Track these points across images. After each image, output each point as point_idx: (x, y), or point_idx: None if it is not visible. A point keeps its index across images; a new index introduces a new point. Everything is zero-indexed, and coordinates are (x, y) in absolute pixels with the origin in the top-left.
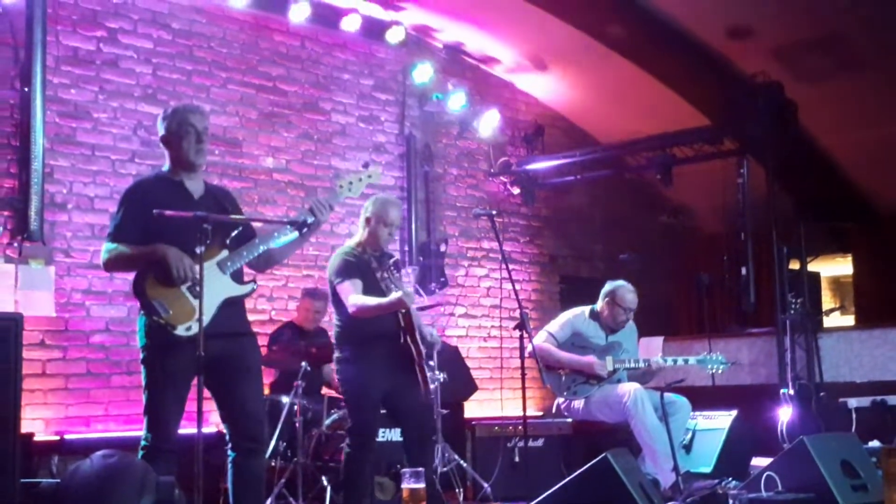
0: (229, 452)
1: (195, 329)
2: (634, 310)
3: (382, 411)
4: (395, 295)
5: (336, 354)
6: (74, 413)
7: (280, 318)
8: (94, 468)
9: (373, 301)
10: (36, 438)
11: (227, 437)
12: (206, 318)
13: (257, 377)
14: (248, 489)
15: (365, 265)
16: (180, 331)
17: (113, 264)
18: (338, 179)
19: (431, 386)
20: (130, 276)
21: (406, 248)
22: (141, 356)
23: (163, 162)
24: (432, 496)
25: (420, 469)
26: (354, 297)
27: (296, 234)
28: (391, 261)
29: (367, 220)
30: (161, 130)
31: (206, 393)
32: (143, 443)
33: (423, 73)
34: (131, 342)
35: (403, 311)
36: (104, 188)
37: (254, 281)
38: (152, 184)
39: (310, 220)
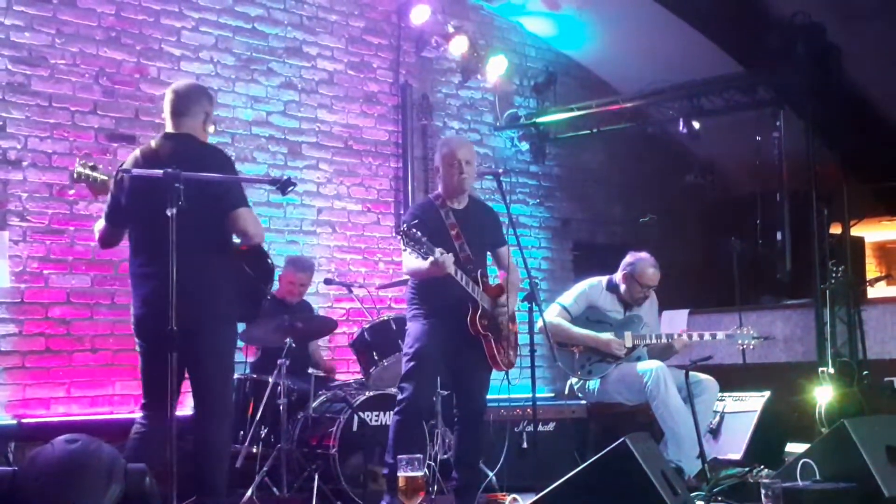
0: None
1: None
2: (654, 287)
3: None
4: (427, 260)
5: (407, 314)
6: (33, 394)
7: None
8: (56, 454)
9: (413, 264)
10: None
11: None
12: None
13: None
14: None
15: (433, 216)
16: None
17: None
18: None
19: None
20: (93, 241)
21: (401, 211)
22: None
23: (127, 114)
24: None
25: (418, 456)
26: (405, 259)
27: None
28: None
29: (436, 170)
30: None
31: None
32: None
33: (421, 13)
34: (95, 315)
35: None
36: (63, 143)
37: None
38: None
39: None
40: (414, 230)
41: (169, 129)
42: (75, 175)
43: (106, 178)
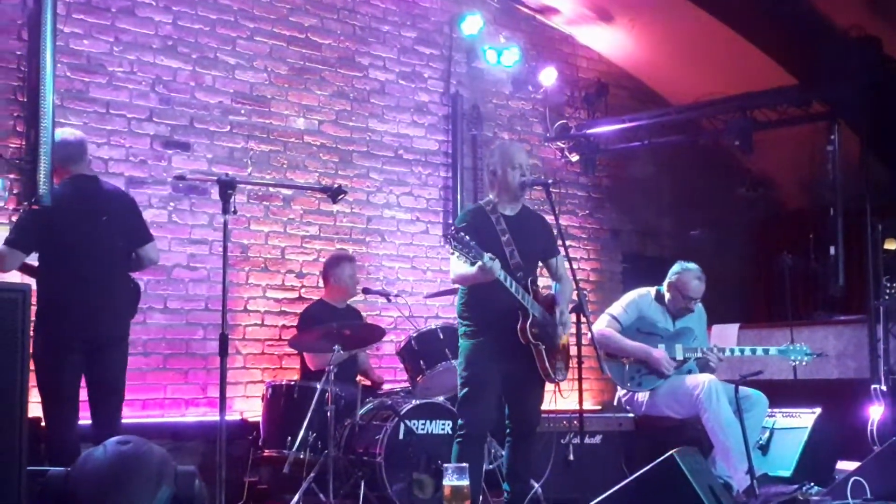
0: None
1: None
2: (697, 300)
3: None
4: (475, 265)
5: (458, 329)
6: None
7: (310, 297)
8: (108, 456)
9: (461, 270)
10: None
11: None
12: None
13: None
14: None
15: (484, 222)
16: None
17: None
18: None
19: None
20: None
21: (450, 221)
22: None
23: (182, 122)
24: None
25: (464, 465)
26: (453, 264)
27: None
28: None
29: (493, 174)
30: None
31: (236, 378)
32: None
33: (473, 24)
34: (147, 319)
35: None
36: (119, 150)
37: None
38: None
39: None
40: (462, 233)
41: (78, 171)
42: None
43: None
